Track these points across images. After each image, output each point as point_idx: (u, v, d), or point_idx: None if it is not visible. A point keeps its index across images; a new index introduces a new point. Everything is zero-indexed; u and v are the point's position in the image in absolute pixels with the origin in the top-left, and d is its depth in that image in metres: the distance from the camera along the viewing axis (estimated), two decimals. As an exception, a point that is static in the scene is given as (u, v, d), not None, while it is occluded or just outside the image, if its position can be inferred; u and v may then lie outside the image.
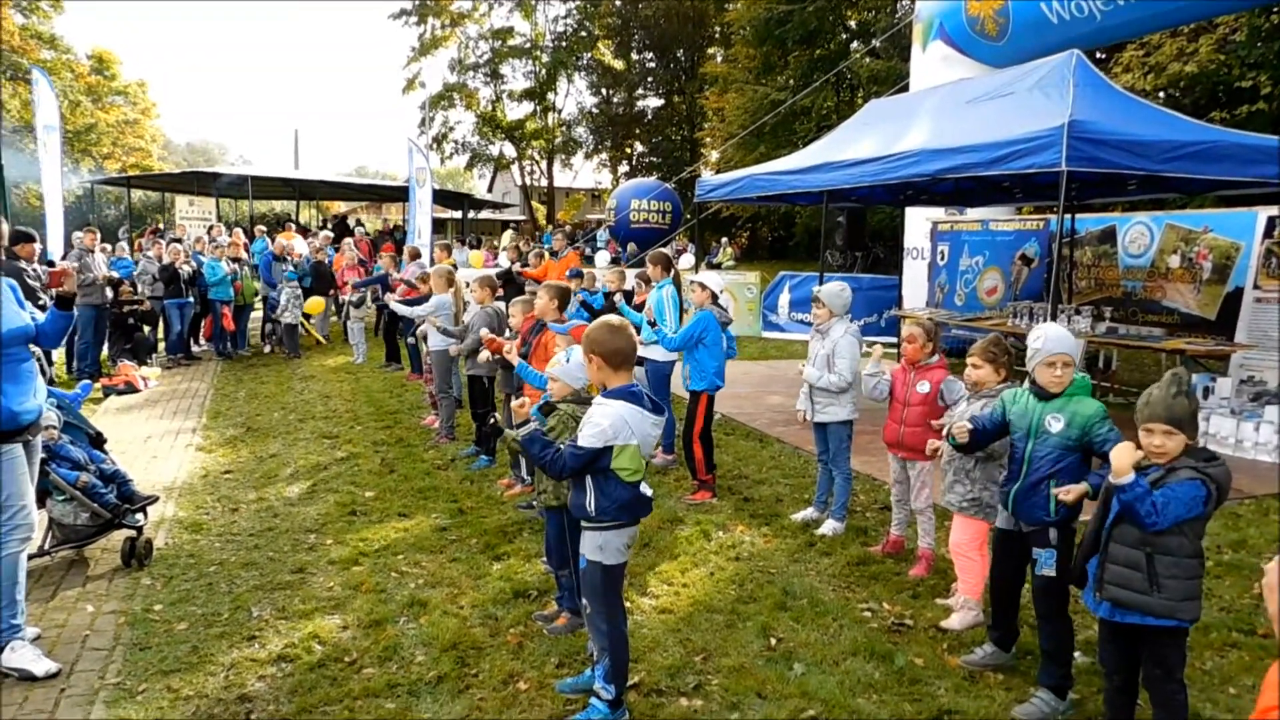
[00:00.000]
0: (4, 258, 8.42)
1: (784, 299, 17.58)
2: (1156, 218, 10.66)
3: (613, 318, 3.68)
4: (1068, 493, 3.46)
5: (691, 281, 6.57)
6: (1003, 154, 6.98)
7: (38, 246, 8.79)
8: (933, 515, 5.14)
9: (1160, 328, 10.07)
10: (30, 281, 8.22)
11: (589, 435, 3.38)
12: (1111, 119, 7.06)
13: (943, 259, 13.79)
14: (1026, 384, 3.87)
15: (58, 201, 14.34)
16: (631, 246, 21.35)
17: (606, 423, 3.36)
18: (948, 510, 4.65)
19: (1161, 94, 16.71)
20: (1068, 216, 11.59)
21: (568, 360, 3.96)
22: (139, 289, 12.71)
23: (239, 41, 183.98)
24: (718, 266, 25.02)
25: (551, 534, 4.31)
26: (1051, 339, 3.73)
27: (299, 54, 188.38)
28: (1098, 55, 16.73)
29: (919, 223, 14.42)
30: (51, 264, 11.45)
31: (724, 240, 31.32)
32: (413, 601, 4.70)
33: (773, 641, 4.25)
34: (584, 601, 3.61)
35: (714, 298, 6.45)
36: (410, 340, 11.68)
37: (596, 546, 3.53)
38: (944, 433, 4.26)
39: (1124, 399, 10.03)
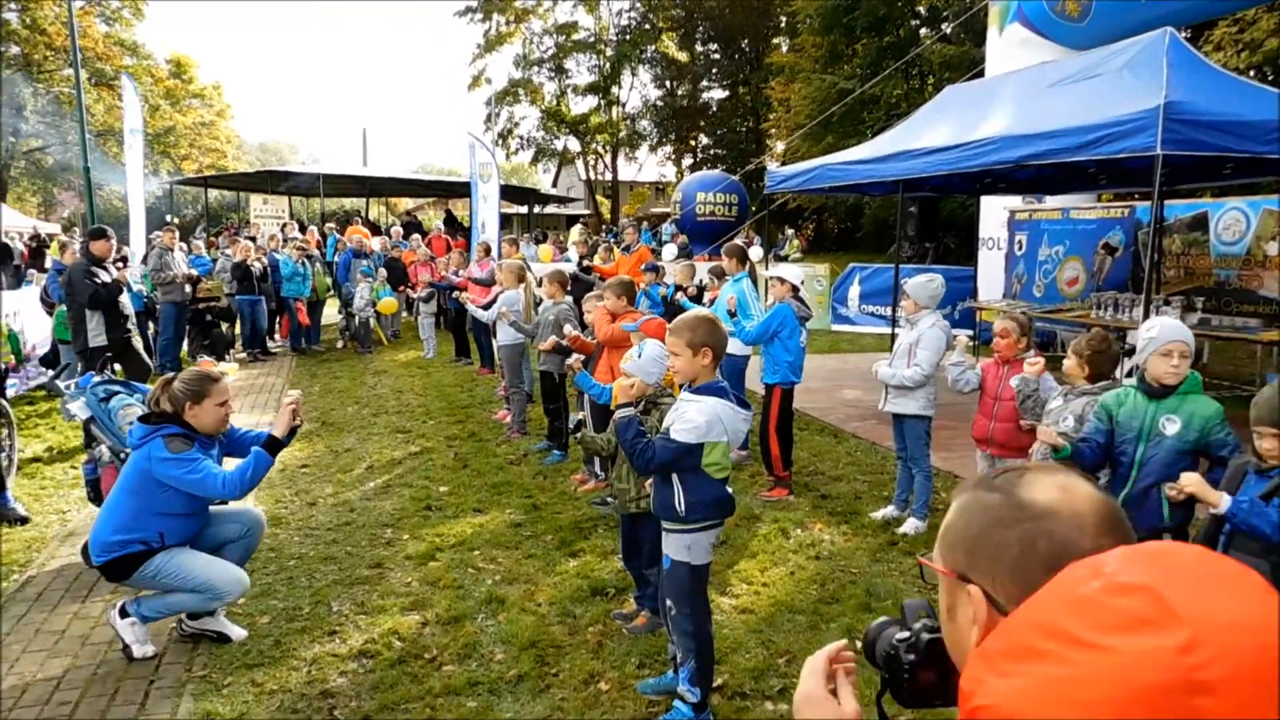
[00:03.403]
0: (80, 255, 8.66)
1: (854, 291, 17.27)
2: (1253, 203, 10.16)
3: (703, 311, 3.58)
4: (1179, 491, 3.26)
5: (770, 276, 6.44)
6: (1092, 138, 6.68)
7: (113, 243, 8.98)
8: (1024, 515, 4.92)
9: (1256, 318, 9.60)
10: (103, 279, 8.39)
11: (684, 430, 3.28)
12: (1209, 99, 6.72)
13: (1020, 249, 13.37)
14: (1134, 381, 3.66)
15: (140, 202, 14.75)
16: (683, 239, 21.20)
17: (702, 419, 3.27)
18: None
19: (1254, 73, 15.97)
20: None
21: (640, 355, 3.87)
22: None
23: (307, 41, 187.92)
24: (784, 259, 24.72)
25: (646, 536, 4.22)
26: (1168, 327, 3.55)
27: (365, 52, 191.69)
28: (1184, 34, 16.08)
29: (995, 212, 14.01)
30: (125, 261, 11.82)
31: (790, 232, 30.96)
32: (490, 598, 4.68)
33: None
34: (668, 603, 3.52)
35: (794, 291, 6.31)
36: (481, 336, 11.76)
37: (684, 546, 3.44)
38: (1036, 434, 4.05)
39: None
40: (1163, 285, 10.86)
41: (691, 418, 3.29)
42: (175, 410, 4.10)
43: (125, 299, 8.77)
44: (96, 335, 8.41)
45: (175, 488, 3.99)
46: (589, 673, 3.91)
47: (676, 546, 3.47)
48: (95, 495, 5.44)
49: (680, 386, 3.80)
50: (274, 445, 4.18)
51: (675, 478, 3.37)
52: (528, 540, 5.59)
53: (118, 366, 8.67)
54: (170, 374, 4.29)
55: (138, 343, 8.90)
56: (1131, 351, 9.88)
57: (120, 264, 11.54)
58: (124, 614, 4.11)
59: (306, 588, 4.93)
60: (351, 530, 5.87)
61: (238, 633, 4.32)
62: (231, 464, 4.23)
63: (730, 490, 3.50)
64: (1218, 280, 10.41)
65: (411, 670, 3.98)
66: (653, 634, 4.21)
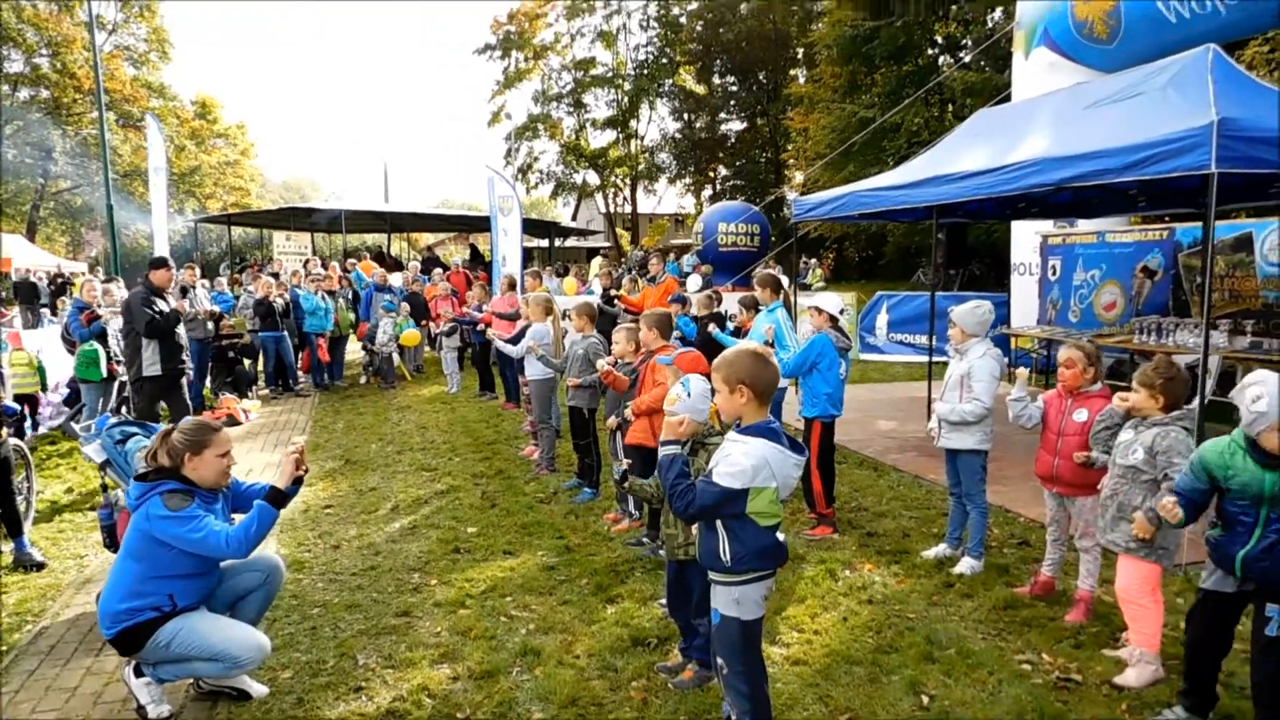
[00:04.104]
0: (141, 284, 8.53)
1: (882, 319, 16.98)
2: (1299, 223, 9.84)
3: (754, 345, 3.32)
4: None
5: (808, 306, 6.19)
6: (1140, 158, 6.40)
7: (174, 273, 8.85)
8: (1099, 555, 4.62)
9: (1308, 342, 9.25)
10: (161, 308, 8.27)
11: (727, 474, 3.03)
12: (1260, 115, 6.46)
13: (1054, 274, 13.06)
14: (1236, 440, 3.28)
15: (164, 240, 14.73)
16: (707, 269, 20.97)
17: (749, 462, 3.00)
18: (1109, 551, 4.17)
19: (1288, 93, 15.66)
20: (1198, 225, 10.88)
21: (689, 394, 3.63)
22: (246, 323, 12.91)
23: (329, 80, 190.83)
24: (807, 288, 24.49)
25: (695, 584, 3.95)
26: (1276, 398, 3.08)
27: (386, 90, 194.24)
28: (1214, 55, 15.81)
29: (1027, 237, 13.72)
30: (185, 291, 11.72)
31: (812, 261, 30.71)
32: (525, 650, 4.40)
33: (924, 700, 3.82)
34: (719, 662, 3.25)
35: (833, 321, 6.06)
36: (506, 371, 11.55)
37: (732, 600, 3.17)
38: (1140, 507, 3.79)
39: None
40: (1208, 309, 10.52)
41: (736, 460, 3.03)
42: (174, 464, 3.86)
43: (181, 330, 8.65)
44: (151, 365, 8.25)
45: (178, 547, 3.75)
46: (635, 734, 3.63)
47: (725, 600, 3.20)
48: (111, 541, 5.22)
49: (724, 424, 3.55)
50: (278, 497, 3.92)
51: (720, 525, 3.11)
52: (562, 585, 5.32)
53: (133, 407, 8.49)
54: (169, 426, 4.06)
55: (184, 382, 8.73)
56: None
57: (180, 294, 11.48)
58: (139, 673, 3.87)
59: (331, 638, 4.68)
60: (377, 575, 5.62)
61: (259, 690, 4.07)
62: (237, 519, 3.99)
63: (782, 538, 3.23)
64: (1265, 302, 10.06)
65: (443, 731, 3.72)
66: (701, 690, 3.92)
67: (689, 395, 3.53)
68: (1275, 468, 3.14)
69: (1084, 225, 12.75)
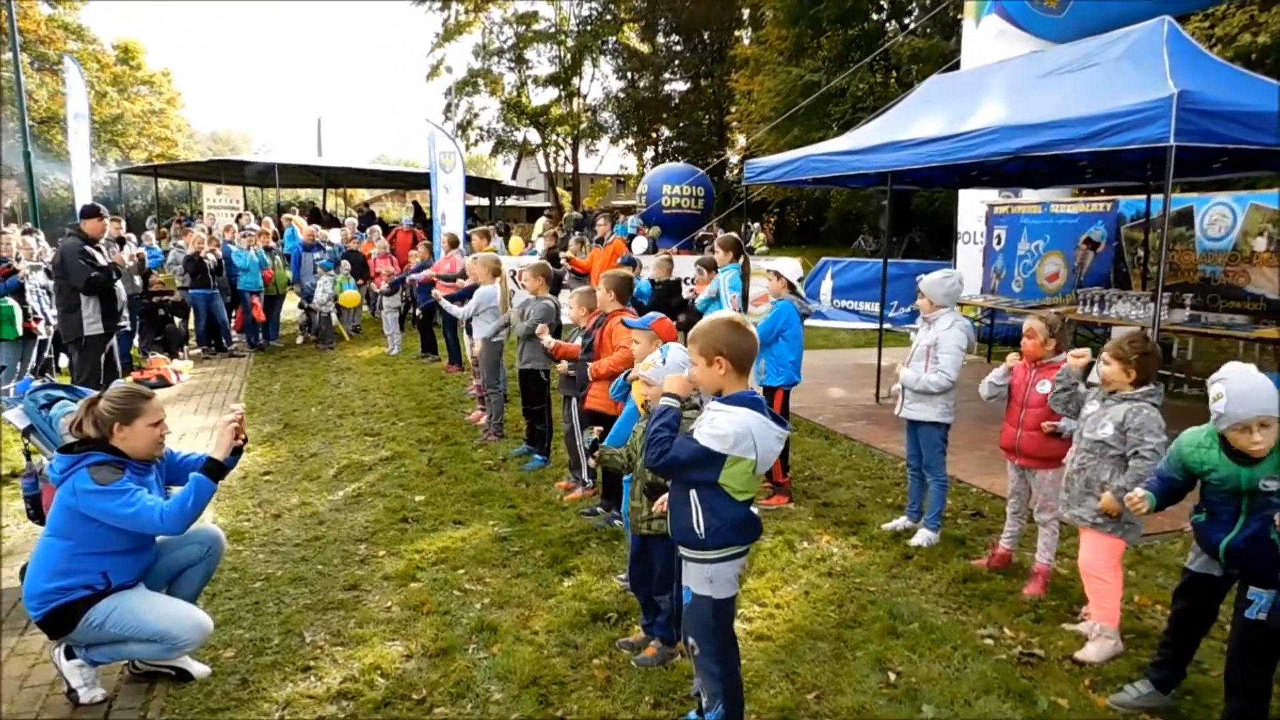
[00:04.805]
0: (72, 235, 8.05)
1: (826, 285, 17.05)
2: (1239, 198, 10.02)
3: (731, 314, 3.18)
4: None
5: (768, 270, 6.07)
6: (1099, 129, 6.39)
7: (107, 223, 8.39)
8: (1057, 529, 4.62)
9: (1244, 315, 9.47)
10: (99, 261, 7.84)
11: (709, 434, 2.87)
12: (1215, 89, 6.50)
13: (999, 243, 13.17)
14: (1211, 433, 3.25)
15: (86, 192, 14.02)
16: (655, 231, 20.73)
17: (732, 429, 2.87)
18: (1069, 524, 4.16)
19: (1225, 68, 15.95)
20: (1141, 198, 11.03)
21: (664, 361, 3.49)
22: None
23: (259, 28, 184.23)
24: (750, 251, 24.46)
25: (658, 559, 3.83)
26: (1235, 398, 3.02)
27: (322, 42, 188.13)
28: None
29: (973, 205, 13.82)
30: (122, 243, 11.13)
31: (755, 225, 30.69)
32: (481, 625, 4.25)
33: (891, 676, 3.77)
34: (690, 641, 3.14)
35: (790, 287, 5.96)
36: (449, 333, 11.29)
37: (705, 579, 3.05)
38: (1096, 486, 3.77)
39: (1199, 390, 9.46)
40: (1148, 281, 10.72)
41: (720, 425, 2.89)
42: (102, 434, 3.58)
43: (121, 285, 8.20)
44: (93, 323, 7.81)
45: (109, 524, 3.49)
46: (600, 714, 3.51)
47: (697, 579, 3.08)
48: (36, 512, 4.91)
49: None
50: (216, 469, 3.66)
51: (694, 495, 2.98)
52: (516, 557, 5.17)
53: (63, 363, 8.08)
54: (95, 394, 3.77)
55: (123, 340, 8.33)
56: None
57: (117, 245, 10.91)
58: (70, 654, 3.63)
59: (275, 614, 4.47)
60: (322, 546, 5.40)
61: (199, 670, 3.86)
62: (173, 492, 3.74)
63: (755, 511, 3.12)
64: (1203, 276, 10.27)
65: (398, 714, 3.55)
66: (664, 667, 3.83)
67: (663, 363, 3.40)
68: (1248, 464, 3.11)
69: (1028, 195, 12.86)
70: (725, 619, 3.13)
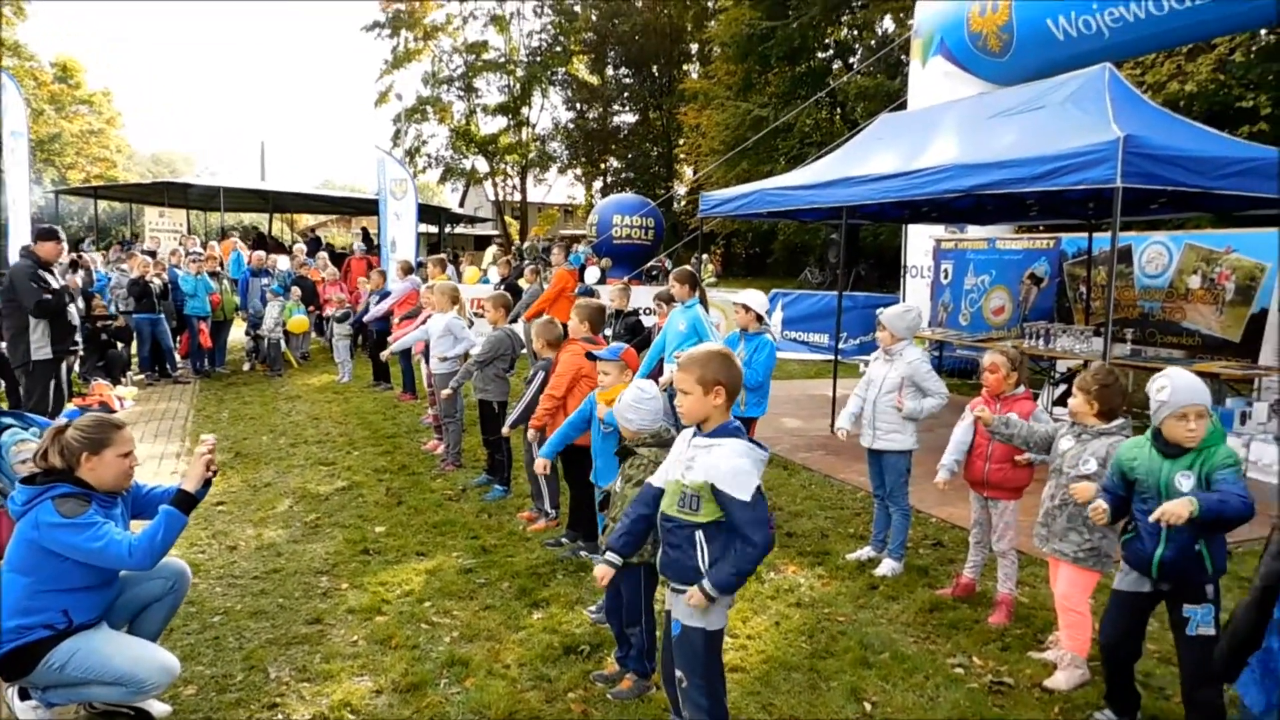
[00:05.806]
0: (23, 256, 7.82)
1: (777, 317, 17.22)
2: (1175, 237, 10.43)
3: (715, 345, 3.22)
4: (1172, 516, 3.12)
5: (735, 303, 6.14)
6: (1050, 169, 6.62)
7: (64, 246, 8.19)
8: (1016, 559, 4.72)
9: (1181, 349, 9.83)
10: (52, 285, 7.66)
11: (746, 487, 2.92)
12: (1155, 133, 6.79)
13: (946, 277, 13.50)
14: (1148, 435, 3.47)
15: (25, 212, 13.61)
16: (606, 262, 20.84)
17: (747, 462, 2.93)
18: (1031, 555, 4.25)
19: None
20: (1083, 236, 11.40)
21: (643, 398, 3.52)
22: (113, 305, 12.06)
23: (203, 50, 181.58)
24: (700, 283, 24.63)
25: (628, 590, 3.82)
26: (1180, 389, 3.32)
27: (266, 65, 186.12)
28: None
29: (921, 240, 14.14)
30: (75, 266, 10.76)
31: (703, 257, 30.94)
32: (452, 660, 4.19)
33: (867, 707, 3.81)
34: (678, 674, 3.14)
35: (759, 319, 6.03)
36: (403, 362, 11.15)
37: (699, 610, 3.06)
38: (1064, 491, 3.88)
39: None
40: (1090, 316, 11.06)
41: (737, 466, 2.91)
42: (68, 464, 3.45)
43: (73, 309, 7.97)
44: (41, 347, 7.58)
45: (74, 558, 3.36)
46: (578, 749, 3.49)
47: (689, 610, 3.07)
48: (-17, 545, 4.73)
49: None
50: (186, 501, 3.58)
51: (700, 536, 3.00)
52: (482, 589, 5.11)
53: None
54: (62, 423, 3.66)
55: (72, 365, 8.09)
56: (1066, 378, 9.99)
57: (71, 270, 10.60)
58: (24, 695, 3.49)
59: (237, 649, 4.35)
60: (282, 578, 5.28)
61: (160, 709, 3.73)
62: (138, 527, 3.63)
63: None
64: (1142, 311, 10.63)
65: (372, 751, 3.49)
66: (641, 700, 3.81)
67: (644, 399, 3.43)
68: (1173, 456, 3.34)
69: (974, 231, 13.22)
70: (715, 651, 3.14)
